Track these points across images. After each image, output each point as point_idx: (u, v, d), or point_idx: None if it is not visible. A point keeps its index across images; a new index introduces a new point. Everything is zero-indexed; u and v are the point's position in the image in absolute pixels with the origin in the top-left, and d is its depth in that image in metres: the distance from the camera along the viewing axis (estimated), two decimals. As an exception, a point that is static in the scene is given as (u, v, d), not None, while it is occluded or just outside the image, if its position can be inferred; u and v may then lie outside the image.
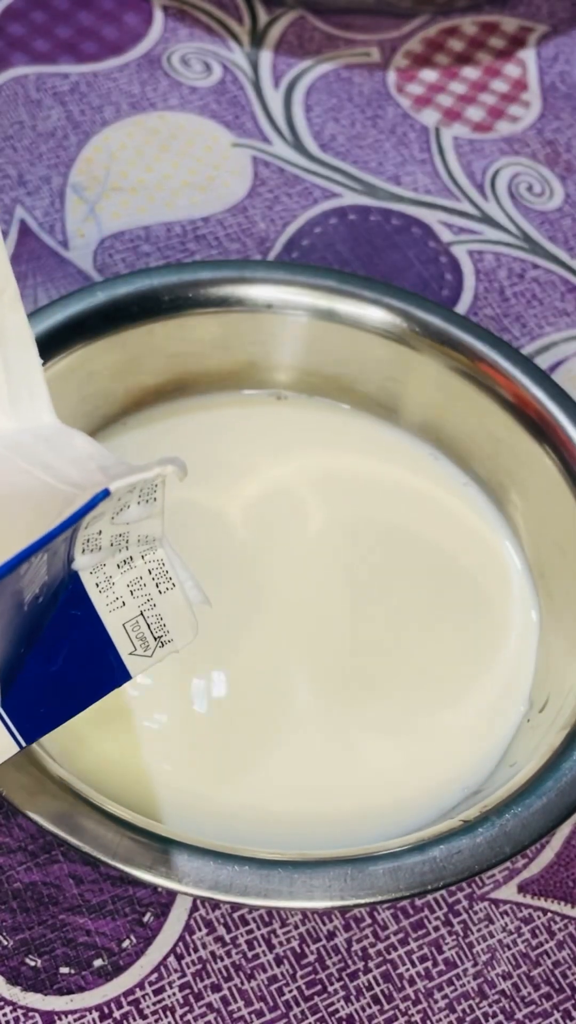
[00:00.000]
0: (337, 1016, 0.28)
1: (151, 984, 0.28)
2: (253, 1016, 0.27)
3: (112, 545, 0.23)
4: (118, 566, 0.23)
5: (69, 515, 0.21)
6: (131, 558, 0.23)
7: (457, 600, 0.32)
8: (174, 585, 0.24)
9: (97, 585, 0.23)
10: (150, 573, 0.23)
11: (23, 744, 0.23)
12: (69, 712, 0.24)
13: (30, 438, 0.24)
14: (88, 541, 0.22)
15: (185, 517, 0.32)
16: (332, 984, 0.28)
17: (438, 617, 0.32)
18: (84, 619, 0.23)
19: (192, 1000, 0.27)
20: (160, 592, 0.24)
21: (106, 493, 0.21)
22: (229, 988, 0.28)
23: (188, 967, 0.28)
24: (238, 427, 0.35)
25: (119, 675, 0.24)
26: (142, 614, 0.24)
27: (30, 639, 0.23)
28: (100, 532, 0.22)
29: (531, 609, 0.32)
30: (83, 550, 0.23)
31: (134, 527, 0.23)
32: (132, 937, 0.28)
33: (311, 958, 0.28)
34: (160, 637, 0.24)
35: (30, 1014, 0.27)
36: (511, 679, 0.31)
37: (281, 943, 0.28)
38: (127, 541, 0.23)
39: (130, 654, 0.24)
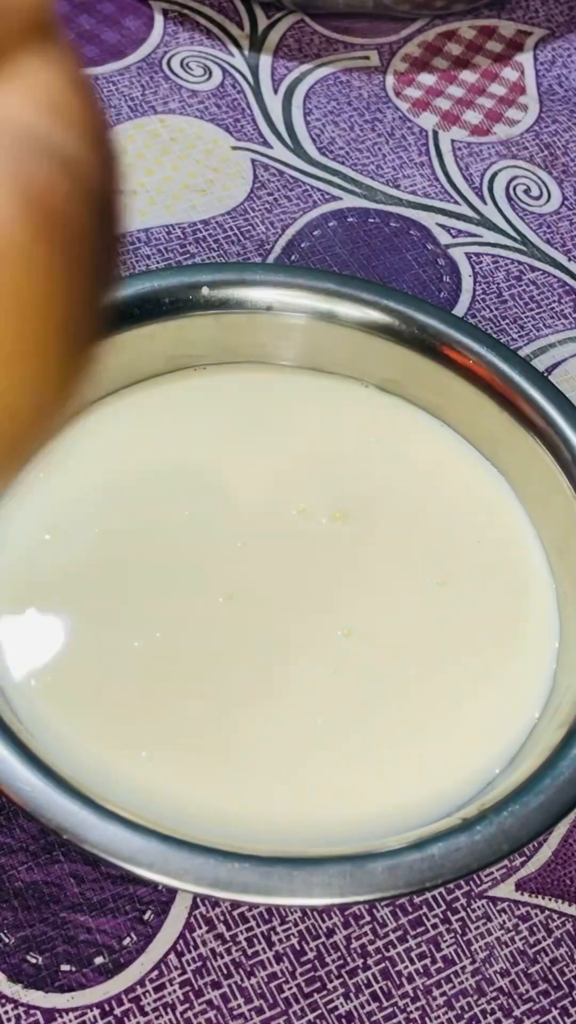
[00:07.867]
0: (336, 1013, 0.28)
1: (151, 981, 0.28)
2: (253, 1013, 0.28)
3: None
4: None
5: None
6: None
7: (473, 584, 0.32)
8: None
9: None
10: None
11: None
12: None
13: None
14: None
15: (183, 483, 0.32)
16: (331, 981, 0.28)
17: (453, 603, 0.31)
18: None
19: (192, 997, 0.28)
20: None
21: None
22: (229, 985, 0.28)
23: (188, 964, 0.28)
24: (240, 396, 0.34)
25: None
26: None
27: None
28: None
29: (551, 601, 0.32)
30: None
31: None
32: (133, 935, 0.28)
33: (310, 955, 0.28)
34: None
35: (31, 1011, 0.27)
36: (530, 673, 0.30)
37: (281, 940, 0.28)
38: None
39: None
